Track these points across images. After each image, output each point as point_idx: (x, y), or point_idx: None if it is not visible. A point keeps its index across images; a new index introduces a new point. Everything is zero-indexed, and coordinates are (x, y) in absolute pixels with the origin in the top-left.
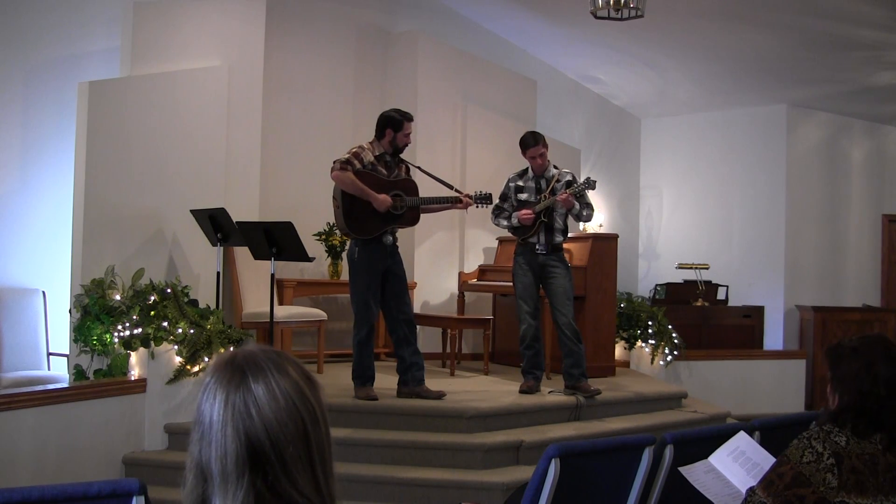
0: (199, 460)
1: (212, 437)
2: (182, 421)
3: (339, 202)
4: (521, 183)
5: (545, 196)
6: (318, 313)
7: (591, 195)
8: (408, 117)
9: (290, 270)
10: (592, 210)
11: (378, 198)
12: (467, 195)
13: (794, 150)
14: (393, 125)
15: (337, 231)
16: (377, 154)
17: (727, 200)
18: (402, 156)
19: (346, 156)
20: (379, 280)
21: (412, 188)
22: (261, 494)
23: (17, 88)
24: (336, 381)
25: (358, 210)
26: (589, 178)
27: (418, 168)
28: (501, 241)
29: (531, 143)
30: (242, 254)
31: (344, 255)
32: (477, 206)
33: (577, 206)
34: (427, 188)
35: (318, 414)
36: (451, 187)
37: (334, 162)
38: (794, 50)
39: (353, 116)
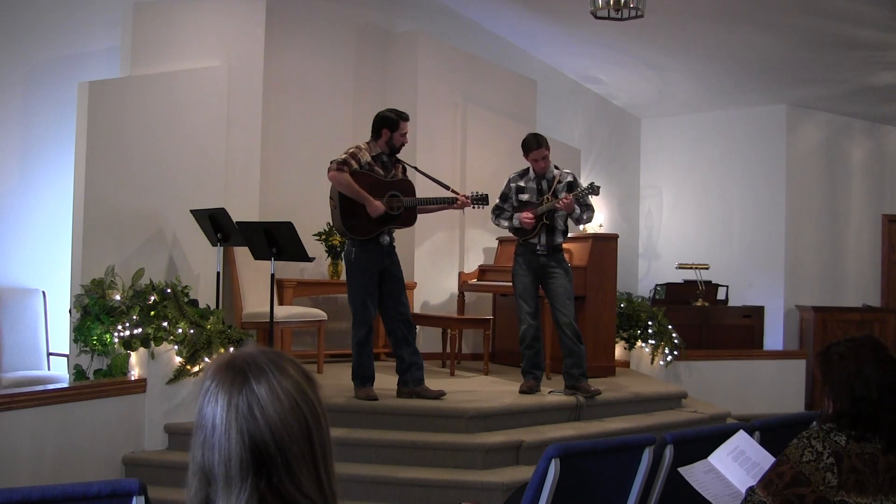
0: (202, 464)
1: (215, 440)
2: (182, 421)
3: (335, 202)
4: (522, 183)
5: (547, 198)
6: (318, 313)
7: (592, 196)
8: (404, 117)
9: (290, 270)
10: (593, 212)
11: (373, 203)
12: (464, 195)
13: (794, 150)
14: (389, 125)
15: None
16: (374, 154)
17: (727, 200)
18: (399, 156)
19: (343, 156)
20: (376, 280)
21: (409, 188)
22: (264, 496)
23: (17, 88)
24: (336, 381)
25: (355, 210)
26: (593, 183)
27: (415, 168)
28: (501, 241)
29: (534, 145)
30: (242, 254)
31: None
32: (473, 207)
33: (578, 210)
34: (424, 188)
35: (320, 412)
36: (447, 188)
37: (331, 162)
38: (794, 50)
39: (353, 116)
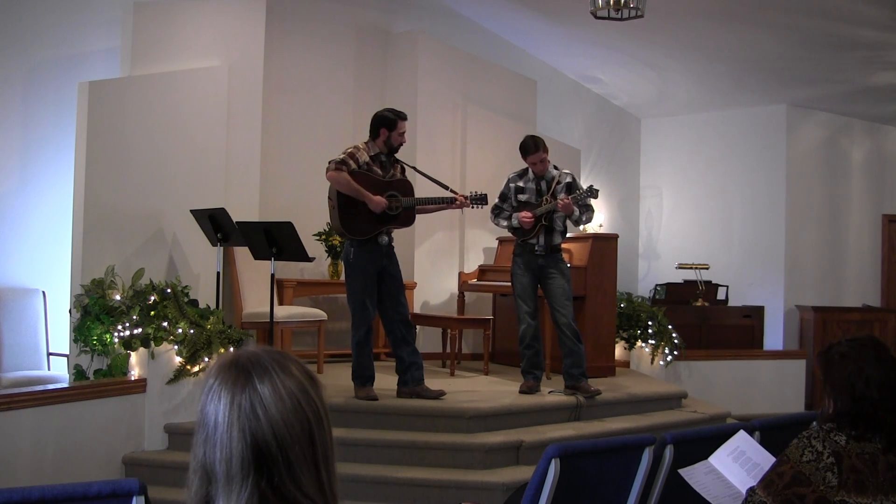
0: (204, 462)
1: (216, 438)
2: (182, 421)
3: (334, 203)
4: (521, 184)
5: (546, 199)
6: (318, 313)
7: (591, 199)
8: (402, 116)
9: (290, 270)
10: (593, 212)
11: (373, 199)
12: (463, 195)
13: (794, 150)
14: (387, 125)
15: None
16: (372, 154)
17: (727, 200)
18: (397, 156)
19: (342, 156)
20: (375, 281)
21: (408, 188)
22: (264, 495)
23: (17, 88)
24: (336, 381)
25: (353, 211)
26: (592, 186)
27: (414, 168)
28: (501, 241)
29: (532, 149)
30: (242, 254)
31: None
32: (472, 207)
33: (577, 211)
34: (423, 188)
35: (322, 413)
36: (446, 188)
37: (329, 162)
38: (794, 50)
39: (353, 116)
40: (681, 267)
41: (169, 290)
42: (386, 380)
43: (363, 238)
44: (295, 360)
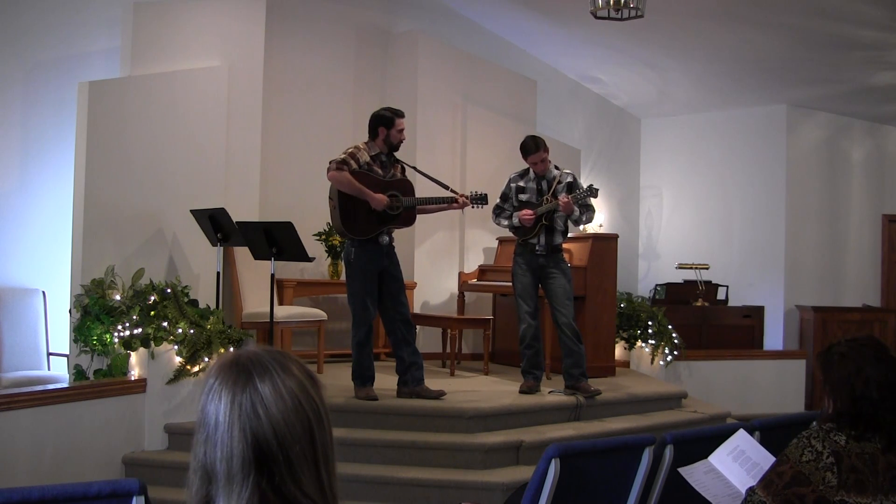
0: (204, 462)
1: (217, 438)
2: (182, 421)
3: (335, 202)
4: (522, 183)
5: (547, 199)
6: (318, 313)
7: (591, 198)
8: (399, 114)
9: (290, 270)
10: (593, 212)
11: (375, 196)
12: (463, 195)
13: (794, 150)
14: (385, 123)
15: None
16: (373, 154)
17: (727, 200)
18: (398, 156)
19: (342, 156)
20: (375, 281)
21: (408, 188)
22: (265, 495)
23: (17, 88)
24: (336, 381)
25: (354, 210)
26: (591, 185)
27: (414, 168)
28: (501, 241)
29: (532, 149)
30: (242, 254)
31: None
32: (473, 207)
33: (577, 211)
34: (423, 188)
35: (323, 413)
36: (446, 187)
37: (330, 162)
38: (794, 50)
39: (353, 116)
40: (681, 267)
41: (169, 290)
42: (386, 380)
43: (364, 238)
44: (295, 360)
